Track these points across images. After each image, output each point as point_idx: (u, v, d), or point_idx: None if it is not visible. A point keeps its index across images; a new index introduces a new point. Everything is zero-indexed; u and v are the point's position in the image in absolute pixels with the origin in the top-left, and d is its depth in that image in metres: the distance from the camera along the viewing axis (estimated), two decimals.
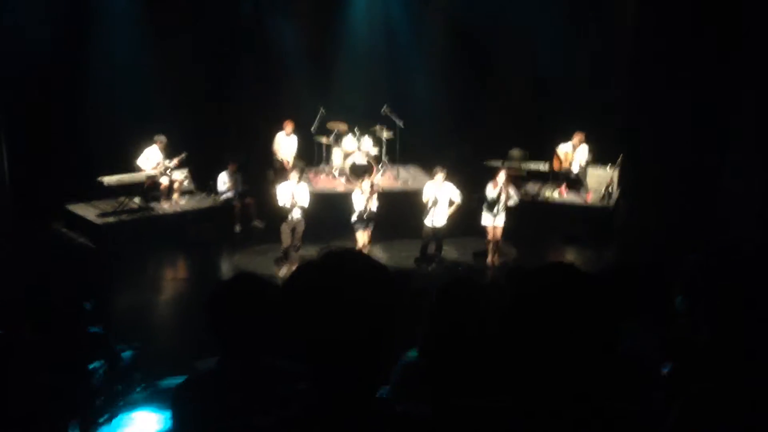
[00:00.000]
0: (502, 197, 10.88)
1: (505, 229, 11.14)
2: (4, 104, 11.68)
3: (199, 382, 2.66)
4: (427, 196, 10.74)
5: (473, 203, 11.74)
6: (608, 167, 13.27)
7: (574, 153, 13.14)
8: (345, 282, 1.48)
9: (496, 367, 2.47)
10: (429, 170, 11.35)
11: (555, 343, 1.56)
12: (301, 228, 10.85)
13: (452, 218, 10.97)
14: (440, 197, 10.73)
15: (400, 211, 11.98)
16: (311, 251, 11.46)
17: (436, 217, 10.80)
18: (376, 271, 1.54)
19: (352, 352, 1.46)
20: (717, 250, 2.39)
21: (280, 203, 10.74)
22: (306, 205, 10.86)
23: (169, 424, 2.64)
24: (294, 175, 10.91)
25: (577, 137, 13.04)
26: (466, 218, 11.63)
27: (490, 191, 10.92)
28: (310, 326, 1.47)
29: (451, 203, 10.83)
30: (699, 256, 2.68)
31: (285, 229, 10.84)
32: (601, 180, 13.25)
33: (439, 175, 10.68)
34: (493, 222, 11.02)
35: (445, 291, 2.82)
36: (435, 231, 10.89)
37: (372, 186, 10.80)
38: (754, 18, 11.53)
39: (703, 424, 2.02)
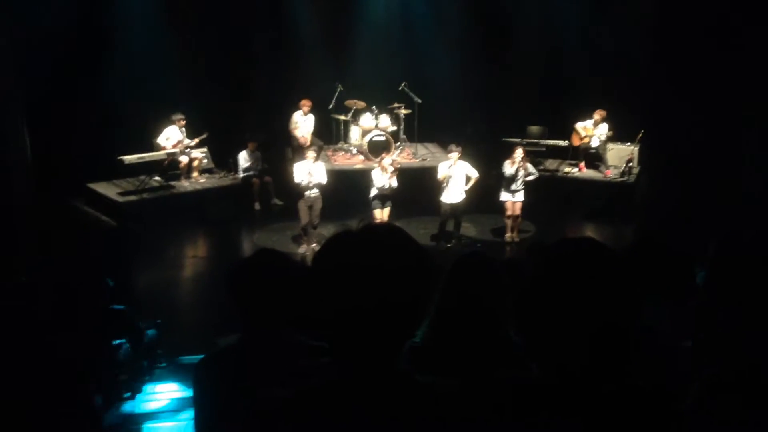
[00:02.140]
0: (520, 173, 10.87)
1: (525, 205, 11.13)
2: (26, 83, 11.75)
3: (221, 356, 2.69)
4: (442, 174, 10.74)
5: (491, 180, 11.69)
6: (629, 143, 13.14)
7: (594, 129, 13.02)
8: (381, 252, 1.48)
9: (515, 341, 2.47)
10: (447, 147, 11.31)
11: (577, 316, 1.56)
12: (318, 205, 10.88)
13: (471, 193, 10.95)
14: (456, 174, 10.72)
15: (418, 189, 11.96)
16: (330, 229, 11.49)
17: (453, 194, 10.79)
18: (412, 245, 1.54)
19: (380, 324, 1.47)
20: (741, 231, 2.36)
21: (297, 180, 10.77)
22: (323, 182, 10.88)
23: (191, 398, 2.67)
24: (310, 154, 10.92)
25: (599, 114, 12.91)
26: (484, 196, 11.60)
27: (508, 168, 10.91)
28: (340, 294, 1.47)
29: (468, 179, 10.82)
30: (725, 236, 2.65)
31: (302, 207, 10.88)
32: (622, 156, 13.14)
33: (454, 153, 10.68)
34: (513, 198, 11.01)
35: (461, 263, 2.81)
36: (453, 208, 10.88)
37: (393, 164, 10.81)
38: None
39: (723, 403, 2.01)
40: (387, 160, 10.77)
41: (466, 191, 10.84)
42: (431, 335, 2.69)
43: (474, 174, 10.83)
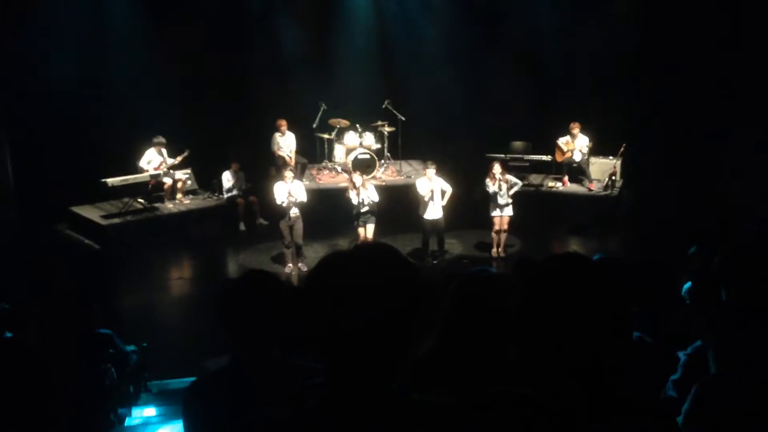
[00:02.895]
0: (503, 187, 10.96)
1: (510, 220, 11.19)
2: (8, 107, 11.71)
3: (211, 380, 2.66)
4: (423, 191, 10.81)
5: (477, 197, 11.75)
6: (611, 157, 13.24)
7: (574, 142, 13.13)
8: (374, 272, 1.48)
9: (511, 356, 2.46)
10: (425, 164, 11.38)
11: (568, 331, 1.57)
12: (299, 225, 10.88)
13: (451, 209, 11.07)
14: (435, 190, 10.81)
15: (403, 206, 11.98)
16: (317, 247, 11.50)
17: (433, 210, 10.88)
18: (404, 264, 1.55)
19: (374, 343, 1.46)
20: (731, 240, 2.38)
21: (278, 202, 10.78)
22: (304, 200, 10.89)
23: (181, 424, 2.63)
24: (288, 174, 10.93)
25: (575, 127, 13.04)
26: (468, 211, 11.64)
27: (491, 186, 11.01)
28: (334, 314, 1.46)
29: (443, 194, 10.92)
30: (712, 247, 2.68)
31: (284, 227, 10.90)
32: (605, 169, 13.24)
33: (431, 170, 10.77)
34: (501, 213, 11.11)
35: (469, 278, 2.79)
36: (434, 224, 10.97)
37: (363, 180, 10.88)
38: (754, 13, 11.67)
39: (716, 412, 2.03)
40: (356, 177, 10.87)
41: (442, 206, 10.93)
42: (436, 351, 2.68)
43: (448, 189, 10.95)
